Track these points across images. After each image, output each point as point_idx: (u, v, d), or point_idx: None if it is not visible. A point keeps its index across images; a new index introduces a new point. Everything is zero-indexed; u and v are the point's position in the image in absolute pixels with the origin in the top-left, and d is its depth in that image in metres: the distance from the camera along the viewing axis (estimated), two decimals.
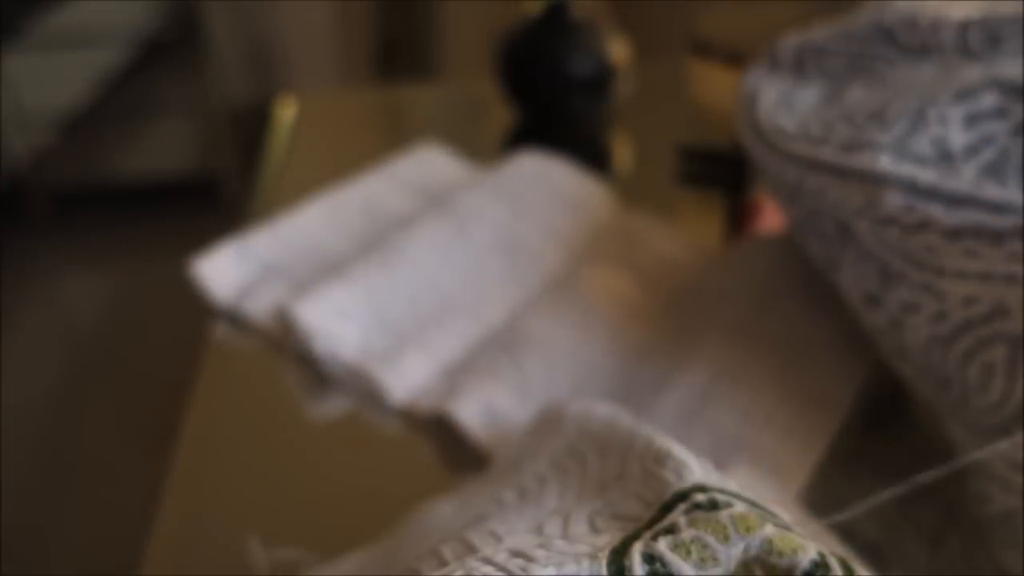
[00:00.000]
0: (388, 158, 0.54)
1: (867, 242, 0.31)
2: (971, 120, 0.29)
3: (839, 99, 0.34)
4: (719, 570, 0.20)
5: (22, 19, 1.66)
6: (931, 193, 0.27)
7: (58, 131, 1.82)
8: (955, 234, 0.27)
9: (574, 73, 0.57)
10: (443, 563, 0.21)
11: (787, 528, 0.21)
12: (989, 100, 0.29)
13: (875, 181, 0.28)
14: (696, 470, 0.23)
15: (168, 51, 1.77)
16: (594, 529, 0.22)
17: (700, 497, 0.22)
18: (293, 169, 0.59)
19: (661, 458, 0.24)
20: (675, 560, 0.20)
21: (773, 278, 0.39)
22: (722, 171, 0.56)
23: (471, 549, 0.21)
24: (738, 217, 0.53)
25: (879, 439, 0.35)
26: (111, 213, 1.90)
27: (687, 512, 0.21)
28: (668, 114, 0.63)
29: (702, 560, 0.20)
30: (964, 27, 0.34)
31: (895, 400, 0.37)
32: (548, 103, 0.59)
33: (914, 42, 0.35)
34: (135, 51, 1.84)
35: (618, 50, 0.59)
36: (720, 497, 0.22)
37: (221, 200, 1.89)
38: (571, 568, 0.20)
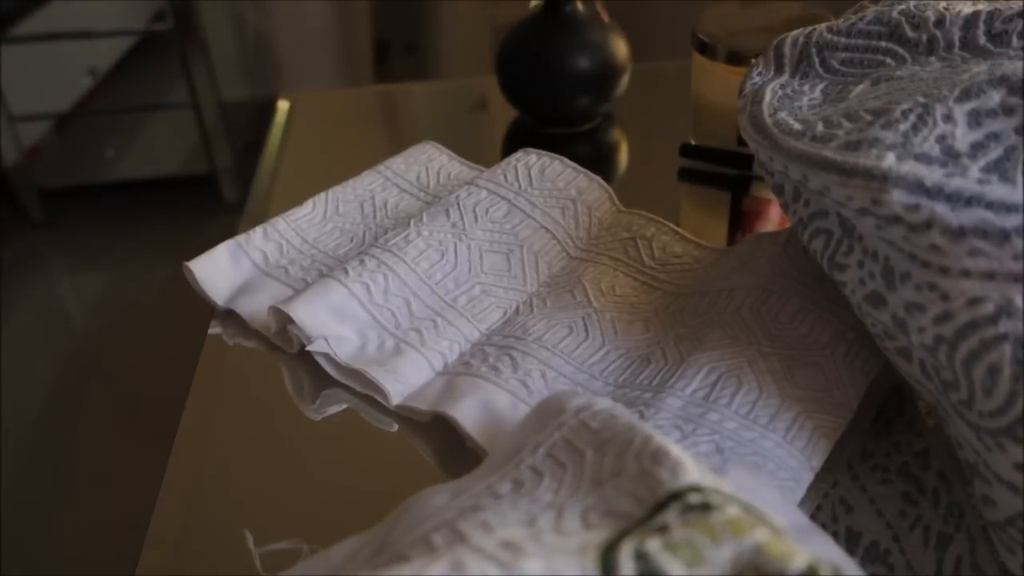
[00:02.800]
0: (386, 157, 0.54)
1: (871, 241, 0.30)
2: (977, 118, 0.28)
3: (843, 97, 0.34)
4: (708, 571, 0.20)
5: (16, 14, 1.66)
6: (937, 192, 0.27)
7: (52, 129, 1.81)
8: (961, 233, 0.27)
9: (574, 71, 0.57)
10: (432, 550, 0.21)
11: (780, 534, 0.21)
12: (995, 97, 0.28)
13: (880, 180, 0.28)
14: (692, 470, 0.23)
15: (165, 49, 1.76)
16: (586, 525, 0.22)
17: (694, 498, 0.22)
18: (291, 168, 0.59)
19: (658, 457, 0.24)
20: (665, 559, 0.20)
21: (776, 277, 0.38)
22: (724, 170, 0.55)
23: (461, 538, 0.21)
24: (740, 216, 0.53)
25: (884, 441, 0.34)
26: (106, 212, 1.89)
27: (680, 512, 0.21)
28: (668, 113, 0.63)
29: (692, 561, 0.20)
30: (971, 22, 0.33)
31: (900, 401, 0.36)
32: (548, 102, 0.59)
33: (920, 38, 0.35)
34: (131, 48, 1.83)
35: (618, 49, 0.58)
36: (714, 499, 0.21)
37: (217, 199, 1.89)
38: (559, 562, 0.20)
